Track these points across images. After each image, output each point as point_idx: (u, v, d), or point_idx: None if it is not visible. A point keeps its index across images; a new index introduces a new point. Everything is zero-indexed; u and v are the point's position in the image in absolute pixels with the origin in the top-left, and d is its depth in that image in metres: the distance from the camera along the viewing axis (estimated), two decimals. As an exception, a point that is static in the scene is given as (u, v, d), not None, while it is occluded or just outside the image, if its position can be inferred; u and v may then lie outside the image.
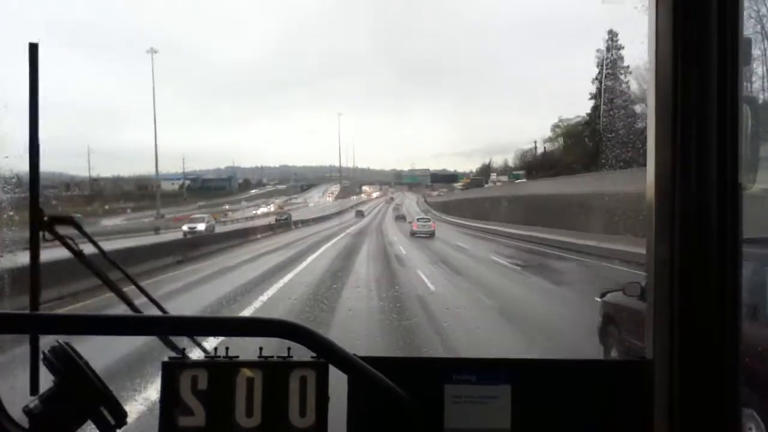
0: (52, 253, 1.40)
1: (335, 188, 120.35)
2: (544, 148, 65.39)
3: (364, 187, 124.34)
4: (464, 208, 63.00)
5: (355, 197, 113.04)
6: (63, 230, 1.26)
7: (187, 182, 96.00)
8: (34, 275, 1.23)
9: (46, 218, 1.23)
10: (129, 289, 1.34)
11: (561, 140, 58.92)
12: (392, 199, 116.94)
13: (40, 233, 1.22)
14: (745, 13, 1.05)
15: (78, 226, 1.37)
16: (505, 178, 70.08)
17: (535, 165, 63.20)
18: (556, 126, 59.84)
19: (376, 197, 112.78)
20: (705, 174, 1.05)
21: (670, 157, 1.08)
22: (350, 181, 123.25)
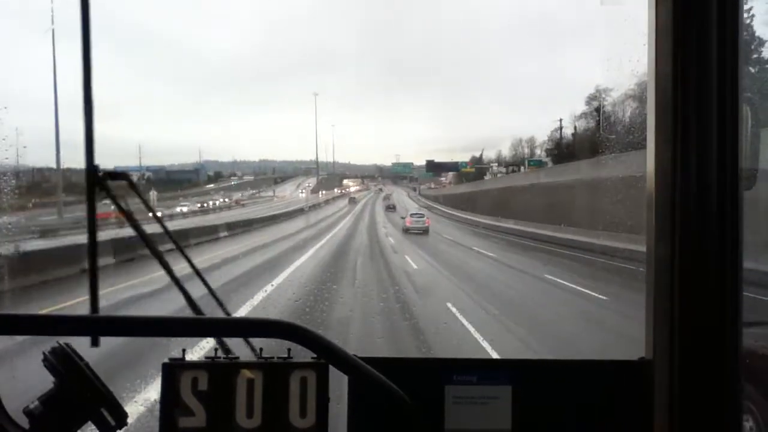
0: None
1: (311, 182, 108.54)
2: (575, 127, 52.04)
3: (345, 181, 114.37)
4: (492, 202, 47.00)
5: (323, 192, 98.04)
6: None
7: (148, 174, 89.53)
8: (91, 229, 1.29)
9: (100, 173, 1.28)
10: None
11: (596, 114, 44.76)
12: (381, 190, 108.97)
13: (96, 188, 1.28)
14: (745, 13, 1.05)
15: (133, 185, 1.39)
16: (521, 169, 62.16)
17: (566, 148, 49.56)
18: (592, 98, 45.99)
19: (355, 191, 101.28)
20: (705, 174, 1.05)
21: (670, 157, 1.08)
22: (328, 174, 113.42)
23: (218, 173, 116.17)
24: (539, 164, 54.63)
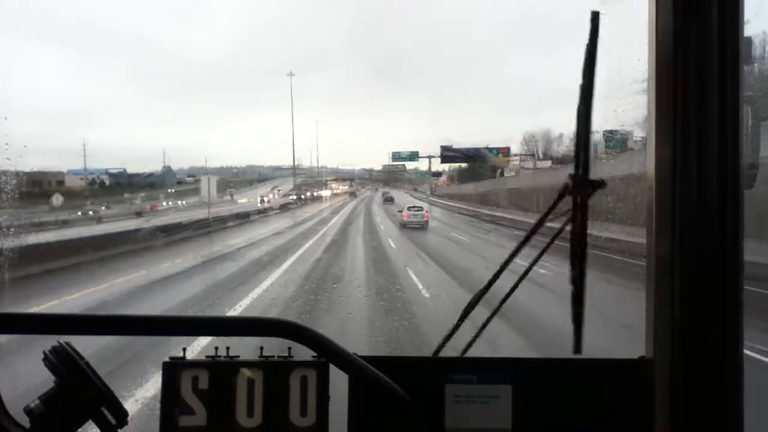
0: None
1: (287, 185, 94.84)
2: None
3: (332, 184, 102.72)
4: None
5: (266, 199, 72.07)
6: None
7: (102, 177, 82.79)
8: None
9: None
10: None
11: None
12: (376, 189, 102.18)
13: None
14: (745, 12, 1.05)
15: None
16: (547, 164, 51.98)
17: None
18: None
19: (329, 196, 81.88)
20: (706, 174, 1.05)
21: (671, 157, 1.08)
22: (308, 176, 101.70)
23: (192, 177, 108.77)
24: (622, 146, 34.93)
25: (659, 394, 1.14)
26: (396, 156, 61.25)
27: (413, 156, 60.94)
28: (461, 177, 71.38)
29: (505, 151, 55.00)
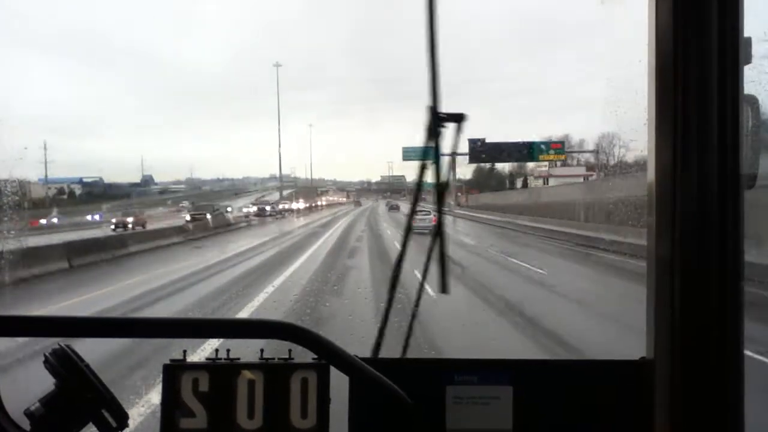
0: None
1: (272, 197, 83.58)
2: None
3: (327, 196, 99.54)
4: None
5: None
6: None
7: (73, 186, 77.88)
8: None
9: None
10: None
11: None
12: (377, 200, 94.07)
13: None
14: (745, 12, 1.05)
15: None
16: (582, 170, 44.67)
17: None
18: None
19: (302, 209, 67.21)
20: (706, 173, 1.05)
21: (671, 157, 1.08)
22: (296, 188, 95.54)
23: (166, 189, 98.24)
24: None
25: (659, 394, 1.14)
26: (407, 153, 43.32)
27: (429, 153, 43.88)
28: (480, 186, 64.44)
29: (559, 147, 40.76)
